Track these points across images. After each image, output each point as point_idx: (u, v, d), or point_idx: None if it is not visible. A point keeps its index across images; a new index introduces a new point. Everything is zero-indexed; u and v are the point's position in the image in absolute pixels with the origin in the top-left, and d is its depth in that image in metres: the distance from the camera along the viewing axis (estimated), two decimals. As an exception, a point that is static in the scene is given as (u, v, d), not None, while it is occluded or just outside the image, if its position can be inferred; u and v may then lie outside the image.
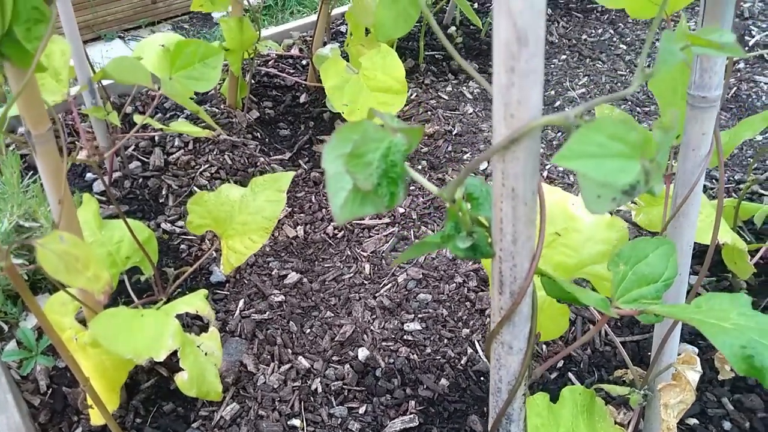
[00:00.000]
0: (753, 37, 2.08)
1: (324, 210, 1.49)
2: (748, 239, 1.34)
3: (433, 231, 1.43)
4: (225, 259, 1.09)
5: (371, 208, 0.42)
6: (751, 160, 1.60)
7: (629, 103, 1.84)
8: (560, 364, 1.13)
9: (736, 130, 0.84)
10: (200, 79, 0.95)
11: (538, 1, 0.32)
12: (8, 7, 0.60)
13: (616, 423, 0.86)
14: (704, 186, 1.51)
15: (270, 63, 1.98)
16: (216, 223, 1.10)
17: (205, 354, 0.93)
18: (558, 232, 0.83)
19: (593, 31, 2.20)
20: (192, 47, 0.94)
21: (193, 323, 1.21)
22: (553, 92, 1.89)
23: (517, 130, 0.35)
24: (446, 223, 0.43)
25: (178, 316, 0.99)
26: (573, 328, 1.20)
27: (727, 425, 1.04)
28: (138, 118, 1.15)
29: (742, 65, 1.97)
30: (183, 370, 0.89)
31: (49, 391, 1.10)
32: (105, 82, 1.54)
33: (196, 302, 0.94)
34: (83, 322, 1.01)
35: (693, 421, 1.05)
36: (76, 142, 1.66)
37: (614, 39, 2.14)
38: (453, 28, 2.17)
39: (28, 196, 1.24)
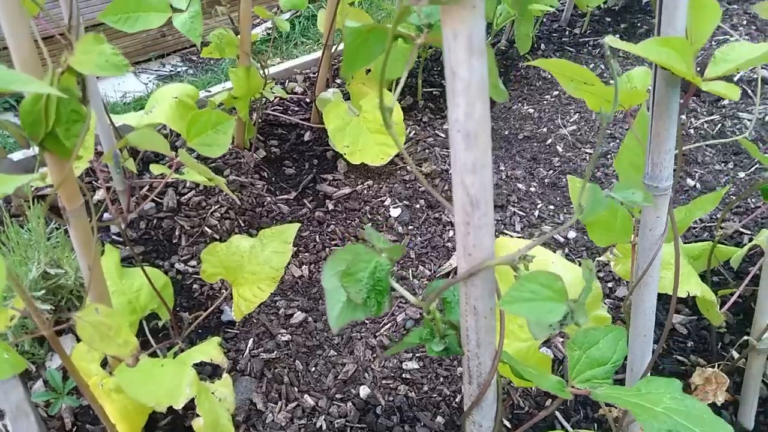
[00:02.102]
0: (737, 71, 2.16)
1: (328, 249, 1.59)
2: (727, 278, 1.43)
3: (431, 270, 1.52)
4: (236, 307, 1.18)
5: (362, 315, 0.51)
6: (734, 198, 1.68)
7: (587, 161, 1.92)
8: (548, 402, 1.22)
9: (690, 209, 0.93)
10: (213, 144, 1.05)
11: (486, 179, 0.41)
12: (52, 111, 0.70)
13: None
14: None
15: (275, 101, 2.08)
16: (227, 272, 1.19)
17: (219, 400, 1.02)
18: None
19: (585, 65, 2.29)
20: (205, 117, 1.03)
21: (205, 363, 1.31)
22: (545, 129, 1.98)
23: (474, 267, 0.44)
24: (424, 327, 0.52)
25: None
26: (561, 368, 1.28)
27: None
28: (156, 168, 1.25)
29: (726, 102, 2.06)
30: (199, 415, 0.98)
31: (74, 429, 1.19)
32: (118, 123, 1.64)
33: (211, 351, 1.03)
34: (105, 361, 1.10)
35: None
36: (93, 182, 1.76)
37: (605, 74, 2.23)
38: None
39: (52, 242, 1.34)
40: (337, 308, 0.50)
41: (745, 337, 1.02)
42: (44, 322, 0.76)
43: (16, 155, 1.74)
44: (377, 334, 1.35)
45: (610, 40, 0.58)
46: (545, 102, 2.11)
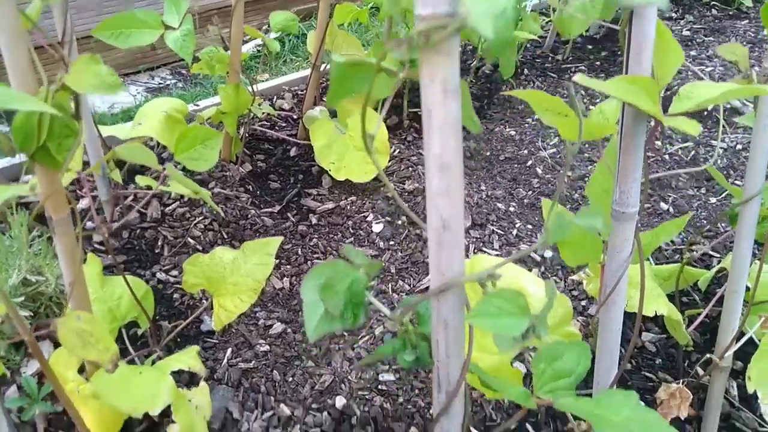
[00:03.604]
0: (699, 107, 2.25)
1: (309, 262, 1.61)
2: (696, 299, 1.48)
3: (410, 285, 1.55)
4: (216, 317, 1.20)
5: (338, 326, 0.54)
6: (705, 222, 1.75)
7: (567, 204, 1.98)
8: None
9: (656, 233, 0.97)
10: (200, 159, 1.07)
11: (457, 203, 0.44)
12: (45, 126, 0.72)
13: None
14: (659, 248, 1.65)
15: (264, 116, 2.11)
16: (209, 283, 1.21)
17: (196, 407, 1.03)
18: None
19: (566, 92, 2.36)
20: (193, 132, 1.06)
21: (183, 371, 1.31)
22: (526, 151, 2.04)
23: (446, 284, 0.48)
24: (397, 339, 0.55)
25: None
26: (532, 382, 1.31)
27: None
28: (142, 180, 1.27)
29: (701, 128, 2.13)
30: (175, 422, 0.99)
31: (48, 435, 1.19)
32: (105, 134, 1.65)
33: (189, 359, 1.05)
34: (82, 368, 1.11)
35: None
36: (77, 191, 1.77)
37: (585, 100, 2.30)
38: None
39: (34, 250, 1.35)
40: (314, 319, 0.53)
41: (708, 355, 1.06)
42: (26, 327, 0.77)
43: (1, 162, 1.74)
44: (355, 346, 1.38)
45: (580, 78, 0.62)
46: (527, 125, 2.17)
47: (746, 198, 0.95)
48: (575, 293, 1.52)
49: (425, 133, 0.42)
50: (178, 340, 1.38)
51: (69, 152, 0.74)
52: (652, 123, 0.72)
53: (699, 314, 1.30)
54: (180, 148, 1.05)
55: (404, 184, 1.87)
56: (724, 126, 2.13)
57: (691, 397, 1.10)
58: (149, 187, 1.14)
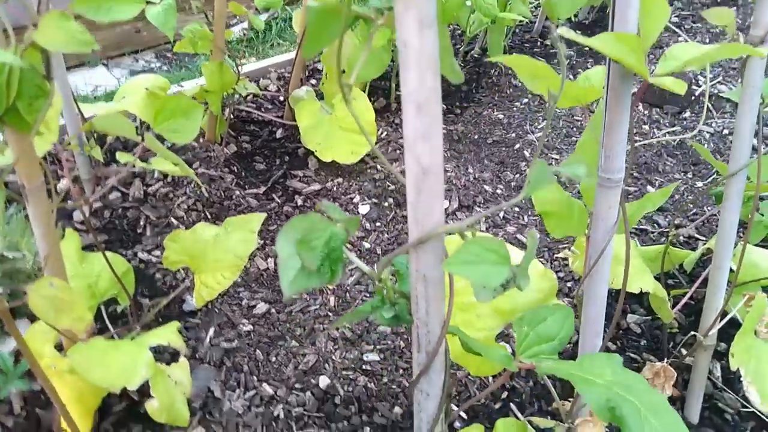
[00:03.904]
0: (699, 86, 2.25)
1: (294, 243, 1.59)
2: (682, 281, 1.48)
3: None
4: (197, 294, 1.17)
5: (316, 282, 0.52)
6: (690, 206, 1.75)
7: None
8: (504, 395, 1.24)
9: (641, 203, 0.96)
10: (180, 131, 1.04)
11: (436, 148, 0.43)
12: (14, 85, 0.69)
13: (546, 452, 0.97)
14: (644, 230, 1.65)
15: (249, 98, 2.08)
16: (191, 259, 1.19)
17: (175, 383, 1.01)
18: (495, 281, 0.95)
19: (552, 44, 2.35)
20: (173, 103, 1.03)
21: (164, 350, 1.29)
22: (513, 135, 2.03)
23: (425, 235, 0.46)
24: (375, 295, 0.54)
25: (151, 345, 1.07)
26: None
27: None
28: (122, 157, 1.24)
29: (688, 114, 2.13)
30: (153, 397, 0.97)
31: (23, 413, 1.17)
32: (87, 114, 1.62)
33: (169, 335, 1.03)
34: (60, 347, 1.08)
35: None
36: (58, 171, 1.73)
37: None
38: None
39: (11, 227, 1.31)
40: (290, 274, 0.51)
41: (693, 333, 1.06)
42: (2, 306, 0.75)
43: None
44: (339, 326, 1.36)
45: (564, 31, 0.61)
46: (515, 109, 2.16)
47: (733, 171, 0.94)
48: (561, 275, 1.51)
49: (401, 71, 0.41)
50: (160, 320, 1.36)
51: (40, 113, 0.72)
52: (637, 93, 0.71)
53: (684, 295, 1.30)
54: (159, 119, 1.02)
55: (392, 165, 1.85)
56: (710, 111, 2.13)
57: (675, 375, 1.10)
58: (133, 165, 1.12)
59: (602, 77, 0.86)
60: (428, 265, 0.48)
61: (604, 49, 0.59)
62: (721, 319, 1.09)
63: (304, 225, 0.52)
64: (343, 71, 1.95)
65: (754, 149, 1.36)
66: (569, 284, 1.47)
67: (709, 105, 2.17)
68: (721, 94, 2.21)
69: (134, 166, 1.39)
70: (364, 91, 1.93)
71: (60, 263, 0.95)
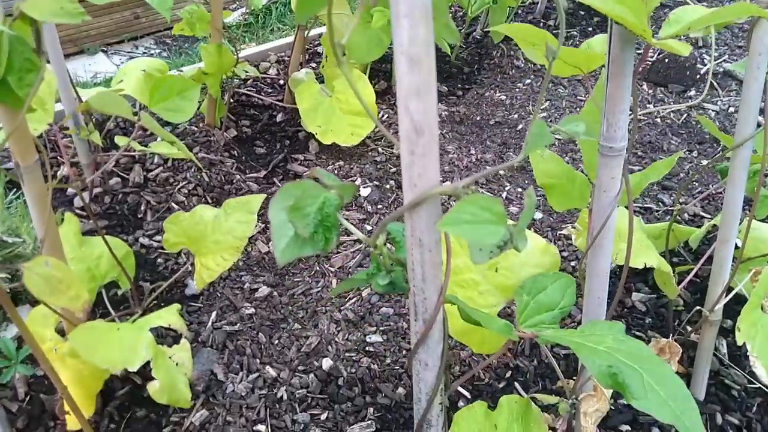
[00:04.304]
0: (705, 65, 2.22)
1: (295, 227, 1.58)
2: (687, 259, 1.46)
3: (398, 248, 1.53)
4: (198, 276, 1.17)
5: (310, 250, 0.51)
6: (696, 183, 1.72)
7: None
8: (508, 374, 1.23)
9: (646, 173, 0.94)
10: (177, 111, 1.03)
11: (430, 105, 0.41)
12: (3, 59, 0.68)
13: (550, 429, 0.96)
14: (649, 208, 1.63)
15: (248, 82, 2.06)
16: (190, 241, 1.18)
17: (176, 364, 1.01)
18: (497, 257, 0.93)
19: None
20: (169, 82, 1.02)
21: (167, 333, 1.29)
22: (516, 116, 2.01)
23: (419, 197, 0.45)
24: (371, 263, 0.52)
25: (153, 328, 1.07)
26: (522, 340, 1.30)
27: (656, 431, 1.14)
28: (120, 140, 1.23)
29: (693, 93, 2.10)
30: (155, 379, 0.96)
31: (27, 398, 1.17)
32: (84, 97, 1.61)
33: (170, 317, 1.02)
34: (62, 332, 1.08)
35: (626, 427, 1.15)
36: (58, 157, 1.72)
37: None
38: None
39: (11, 212, 1.31)
40: (283, 242, 0.50)
41: (698, 307, 1.05)
42: (1, 290, 0.74)
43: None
44: (342, 308, 1.35)
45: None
46: (517, 89, 2.14)
47: (738, 142, 0.92)
48: (564, 254, 1.50)
49: (393, 24, 0.39)
50: (162, 305, 1.35)
51: (31, 88, 0.71)
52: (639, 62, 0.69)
53: (689, 272, 1.28)
54: (155, 98, 1.01)
55: (392, 147, 1.83)
56: (715, 89, 2.10)
57: (681, 351, 1.09)
58: (133, 150, 1.11)
59: (604, 44, 0.84)
60: (423, 229, 0.47)
61: (605, 8, 0.57)
62: (726, 294, 1.08)
63: (297, 192, 0.51)
64: (344, 53, 1.93)
65: (760, 125, 1.33)
66: (573, 263, 1.45)
67: (715, 83, 2.14)
68: (726, 68, 2.18)
69: (133, 150, 1.38)
70: (364, 74, 1.91)
71: (57, 245, 0.94)
